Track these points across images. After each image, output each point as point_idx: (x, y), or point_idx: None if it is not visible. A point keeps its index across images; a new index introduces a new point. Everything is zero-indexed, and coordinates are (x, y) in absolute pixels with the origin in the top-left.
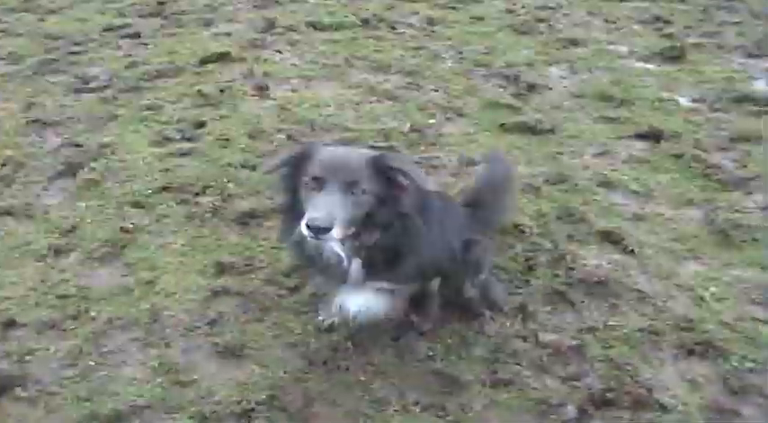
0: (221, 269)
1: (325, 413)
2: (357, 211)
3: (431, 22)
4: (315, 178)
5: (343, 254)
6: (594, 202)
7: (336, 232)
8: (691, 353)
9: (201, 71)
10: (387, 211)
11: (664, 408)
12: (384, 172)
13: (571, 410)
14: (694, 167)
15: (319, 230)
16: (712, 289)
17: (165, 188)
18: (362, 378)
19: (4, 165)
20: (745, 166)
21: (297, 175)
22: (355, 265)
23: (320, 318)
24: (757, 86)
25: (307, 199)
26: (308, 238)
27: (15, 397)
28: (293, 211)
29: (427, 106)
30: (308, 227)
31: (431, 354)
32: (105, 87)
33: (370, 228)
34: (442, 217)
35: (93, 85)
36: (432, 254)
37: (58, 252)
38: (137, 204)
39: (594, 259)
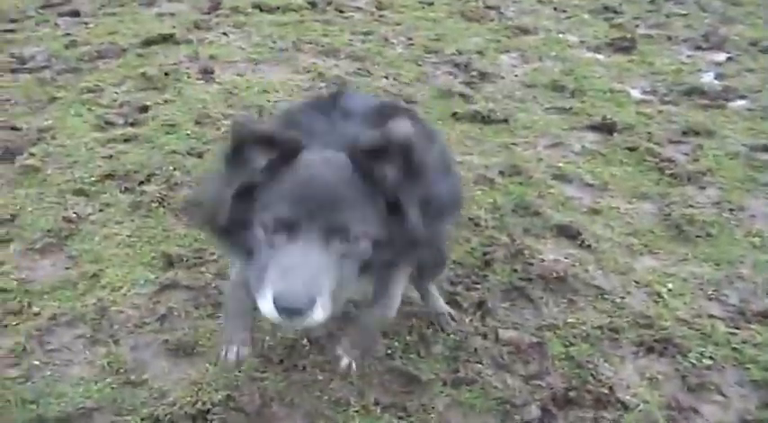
0: (170, 261)
1: (283, 414)
2: (345, 275)
3: (379, 6)
4: (280, 221)
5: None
6: (550, 196)
7: (320, 314)
8: (650, 350)
9: (145, 53)
10: (389, 252)
11: (625, 406)
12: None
13: (534, 410)
14: (648, 161)
15: (294, 313)
16: (669, 285)
17: (108, 176)
18: (320, 377)
19: None
20: (697, 161)
21: (250, 193)
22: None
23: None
24: (705, 79)
25: (267, 250)
26: (274, 320)
27: None
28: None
29: (378, 93)
30: (275, 307)
31: (389, 352)
32: (43, 68)
33: (371, 270)
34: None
35: (30, 65)
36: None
37: None
38: (79, 192)
39: (552, 254)
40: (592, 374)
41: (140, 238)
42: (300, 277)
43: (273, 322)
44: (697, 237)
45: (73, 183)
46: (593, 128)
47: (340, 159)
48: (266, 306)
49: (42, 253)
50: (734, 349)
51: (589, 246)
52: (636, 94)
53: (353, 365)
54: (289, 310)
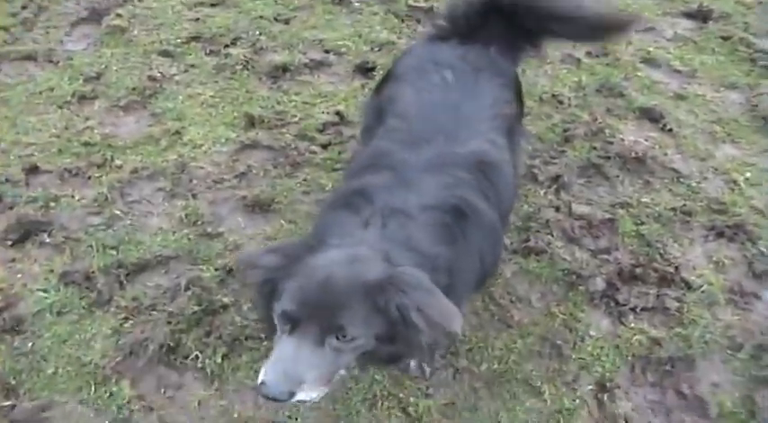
0: (251, 122)
1: None
2: (339, 364)
3: None
4: (285, 314)
5: None
6: (636, 78)
7: (305, 396)
8: (720, 235)
9: None
10: (393, 347)
11: (689, 286)
12: (387, 308)
13: (599, 282)
14: (741, 51)
15: (273, 400)
16: (747, 174)
17: (194, 38)
18: None
19: (24, 8)
20: None
21: (272, 287)
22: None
23: None
24: None
25: (276, 337)
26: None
27: (41, 242)
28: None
29: None
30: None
31: None
32: None
33: (373, 359)
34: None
35: None
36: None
37: (82, 99)
38: (165, 53)
39: (632, 135)
40: (659, 253)
41: (223, 99)
42: (285, 370)
43: None
44: None
45: (158, 44)
46: (688, 15)
47: (364, 260)
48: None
49: (126, 110)
50: None
51: (671, 130)
52: None
53: (424, 366)
54: (268, 398)
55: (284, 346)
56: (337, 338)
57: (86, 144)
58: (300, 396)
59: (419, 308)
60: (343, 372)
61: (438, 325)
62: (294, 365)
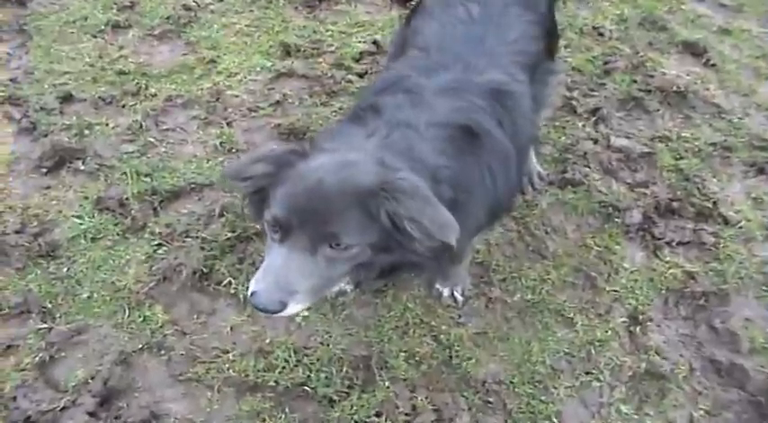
0: (287, 51)
1: None
2: (333, 274)
3: None
4: (275, 221)
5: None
6: (680, 12)
7: (294, 308)
8: (760, 171)
9: None
10: (390, 257)
11: (726, 221)
12: (381, 216)
13: (636, 215)
14: None
15: (263, 311)
16: None
17: None
18: None
19: None
20: None
21: (264, 195)
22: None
23: None
24: None
25: (266, 246)
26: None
27: (75, 169)
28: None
29: None
30: (251, 303)
31: None
32: None
33: (370, 270)
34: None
35: None
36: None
37: (116, 28)
38: None
39: (674, 69)
40: (698, 188)
41: (259, 28)
42: (276, 279)
43: None
44: None
45: None
46: None
47: (357, 164)
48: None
49: (161, 39)
50: None
51: (714, 64)
52: None
53: (456, 295)
54: (259, 309)
55: (275, 255)
56: (331, 247)
57: (120, 73)
58: (292, 308)
59: (412, 216)
60: (344, 285)
61: (431, 235)
62: (286, 275)
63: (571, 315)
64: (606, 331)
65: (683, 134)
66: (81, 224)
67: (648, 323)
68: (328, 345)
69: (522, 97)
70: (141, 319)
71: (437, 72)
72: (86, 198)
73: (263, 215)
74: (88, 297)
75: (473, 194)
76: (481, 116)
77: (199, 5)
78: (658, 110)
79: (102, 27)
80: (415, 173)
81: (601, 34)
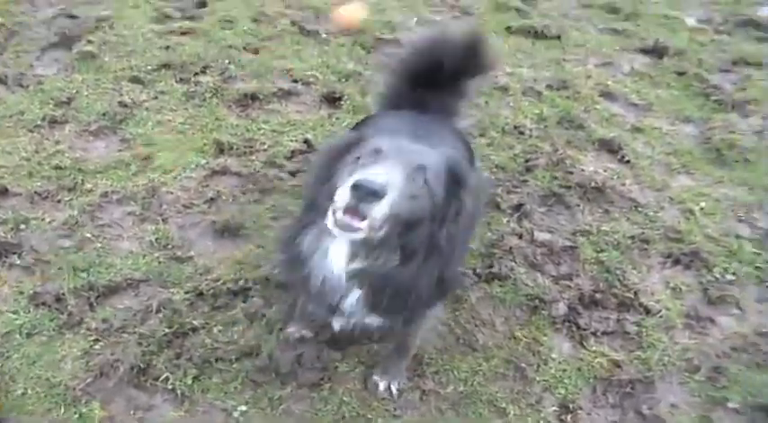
0: (220, 149)
1: None
2: (407, 205)
3: None
4: (374, 151)
5: (343, 280)
6: (595, 111)
7: (371, 222)
8: (677, 262)
9: None
10: (426, 231)
11: (647, 311)
12: (455, 180)
13: (562, 307)
14: (695, 86)
15: (368, 194)
16: (702, 204)
17: (164, 66)
18: None
19: None
20: (744, 90)
21: (339, 162)
22: (352, 298)
23: (290, 330)
24: (763, 12)
25: (350, 176)
26: (331, 224)
27: (11, 264)
28: (310, 211)
29: (434, 2)
30: (354, 188)
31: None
32: None
33: (392, 249)
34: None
35: None
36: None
37: (53, 123)
38: (135, 80)
39: (592, 165)
40: (619, 279)
41: (193, 126)
42: (379, 173)
43: (332, 221)
44: (735, 161)
45: (129, 70)
46: (645, 51)
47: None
48: (341, 196)
49: (96, 135)
50: (757, 268)
51: (629, 161)
52: (691, 21)
53: (392, 388)
54: (366, 189)
55: (376, 165)
56: (414, 180)
57: (57, 167)
58: (369, 221)
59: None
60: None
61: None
62: (387, 174)
63: (503, 405)
64: (538, 420)
65: (602, 228)
66: (16, 319)
67: (579, 411)
68: None
69: (469, 172)
70: (77, 415)
71: (396, 135)
72: (21, 293)
73: (336, 172)
74: (22, 393)
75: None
76: (457, 157)
77: (134, 102)
78: (578, 205)
79: (39, 122)
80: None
81: (521, 132)
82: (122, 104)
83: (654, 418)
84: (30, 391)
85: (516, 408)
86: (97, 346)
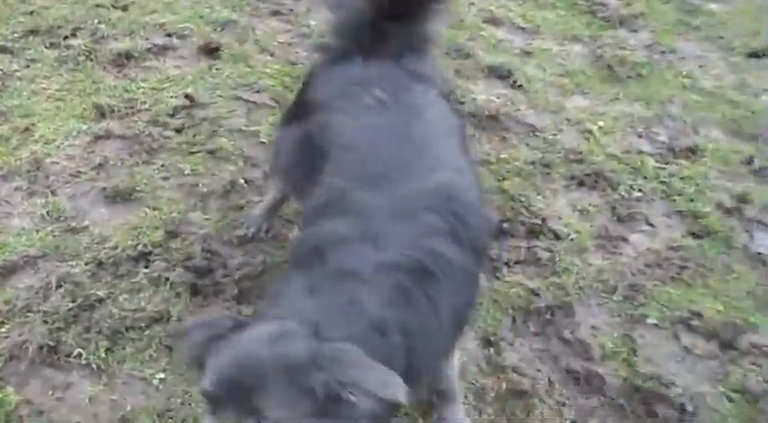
0: (101, 113)
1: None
2: None
3: None
4: (206, 394)
5: None
6: (481, 38)
7: None
8: (581, 184)
9: None
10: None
11: (557, 236)
12: (312, 388)
13: None
14: (580, 4)
15: None
16: (600, 123)
17: (32, 32)
18: None
19: None
20: (630, 5)
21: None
22: None
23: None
24: None
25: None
26: None
27: None
28: None
29: None
30: None
31: None
32: None
33: None
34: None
35: None
36: None
37: None
38: (3, 49)
39: (484, 94)
40: (525, 207)
41: (70, 91)
42: None
43: None
44: (628, 77)
45: None
46: None
47: (288, 336)
48: None
49: None
50: (662, 182)
51: (521, 86)
52: None
53: None
54: None
55: None
56: (259, 422)
57: None
58: None
59: (350, 382)
60: None
61: (376, 396)
62: None
63: None
64: (462, 357)
65: (501, 155)
66: None
67: (501, 343)
68: (190, 404)
69: (473, 194)
70: None
71: (378, 183)
72: None
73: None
74: None
75: (433, 336)
76: (438, 241)
77: (5, 73)
78: (474, 135)
79: None
80: (357, 334)
81: None
82: None
83: (577, 342)
84: None
85: None
86: (2, 329)
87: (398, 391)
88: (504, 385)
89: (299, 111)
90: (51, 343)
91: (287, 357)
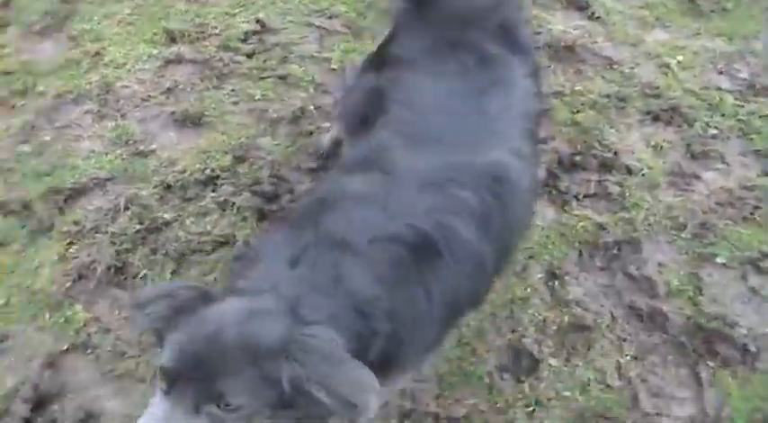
0: (172, 37)
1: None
2: None
3: None
4: (161, 370)
5: None
6: None
7: None
8: (656, 119)
9: None
10: (296, 413)
11: (629, 170)
12: (279, 379)
13: (540, 172)
14: None
15: None
16: (679, 58)
17: None
18: None
19: None
20: None
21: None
22: None
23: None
24: None
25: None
26: None
27: None
28: None
29: None
30: None
31: None
32: None
33: None
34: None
35: None
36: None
37: None
38: None
39: (561, 25)
40: (598, 140)
41: (141, 16)
42: None
43: None
44: (711, 11)
45: None
46: None
47: (262, 314)
48: None
49: (42, 35)
50: (739, 120)
51: (599, 17)
52: None
53: None
54: None
55: (156, 409)
56: (218, 406)
57: (5, 73)
58: None
59: (318, 379)
60: None
61: (344, 398)
62: None
63: None
64: (525, 289)
65: (576, 88)
66: None
67: (566, 277)
68: None
69: (525, 185)
70: (63, 319)
71: (428, 147)
72: None
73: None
74: (5, 303)
75: (420, 325)
76: (455, 218)
77: None
78: (550, 66)
79: None
80: (338, 315)
81: None
82: (64, 1)
83: (643, 279)
84: (12, 300)
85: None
86: (72, 250)
87: (370, 396)
88: (566, 319)
89: (380, 62)
90: (118, 264)
91: (258, 340)
